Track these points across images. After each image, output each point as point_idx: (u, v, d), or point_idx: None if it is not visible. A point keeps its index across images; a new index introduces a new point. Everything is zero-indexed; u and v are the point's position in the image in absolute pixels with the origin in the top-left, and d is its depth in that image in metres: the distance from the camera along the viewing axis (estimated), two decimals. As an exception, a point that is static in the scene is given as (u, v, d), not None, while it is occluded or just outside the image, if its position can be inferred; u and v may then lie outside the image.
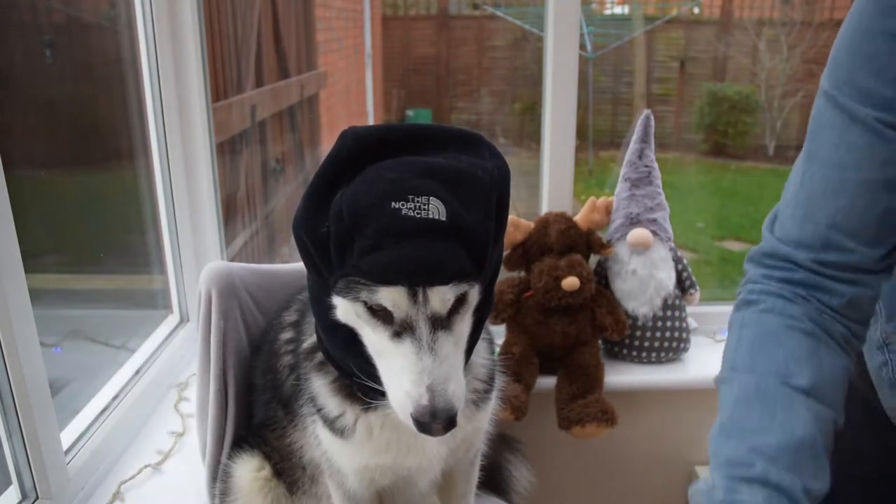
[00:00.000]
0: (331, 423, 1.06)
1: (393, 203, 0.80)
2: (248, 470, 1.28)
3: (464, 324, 0.91)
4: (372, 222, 0.81)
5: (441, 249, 0.82)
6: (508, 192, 0.92)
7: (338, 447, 1.08)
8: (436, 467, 1.13)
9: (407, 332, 0.85)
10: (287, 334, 1.21)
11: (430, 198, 0.81)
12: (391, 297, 0.84)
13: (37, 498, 1.24)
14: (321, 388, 1.06)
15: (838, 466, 1.02)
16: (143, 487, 1.42)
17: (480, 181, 0.86)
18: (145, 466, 1.46)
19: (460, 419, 0.92)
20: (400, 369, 0.86)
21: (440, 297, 0.84)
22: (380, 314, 0.86)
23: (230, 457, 1.32)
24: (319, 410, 1.07)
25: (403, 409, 0.86)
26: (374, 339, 0.88)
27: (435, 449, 1.07)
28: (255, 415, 1.35)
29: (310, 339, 1.10)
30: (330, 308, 0.91)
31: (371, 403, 0.98)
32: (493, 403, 1.19)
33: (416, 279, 0.83)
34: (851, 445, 1.02)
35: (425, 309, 0.85)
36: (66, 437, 1.38)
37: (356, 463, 1.09)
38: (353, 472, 1.11)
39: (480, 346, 1.10)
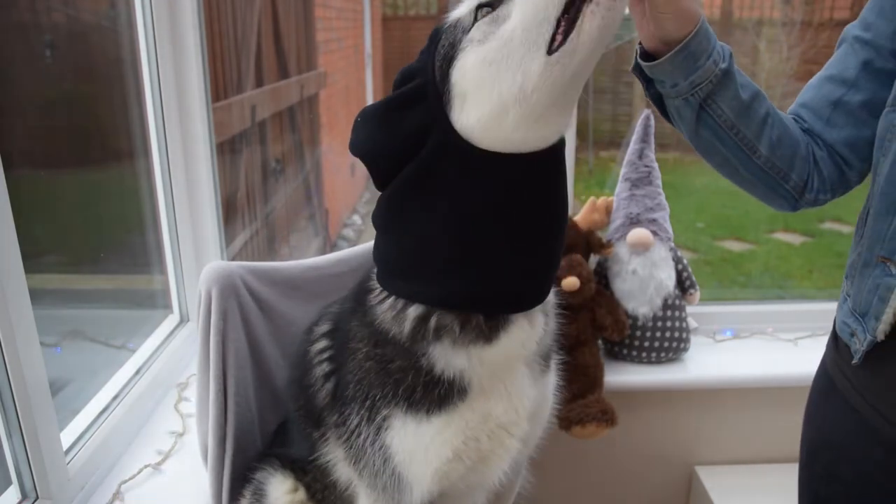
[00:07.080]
0: (447, 392, 1.00)
1: None
2: (283, 492, 1.25)
3: None
4: None
5: None
6: None
7: (431, 434, 1.01)
8: (522, 425, 1.07)
9: None
10: (321, 343, 1.17)
11: None
12: None
13: (37, 498, 1.24)
14: (445, 352, 0.99)
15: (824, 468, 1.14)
16: (143, 487, 1.42)
17: None
18: (145, 466, 1.46)
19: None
20: None
21: None
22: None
23: (257, 471, 1.29)
24: (432, 390, 0.99)
25: None
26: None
27: (524, 391, 1.07)
28: (296, 449, 1.28)
29: (409, 323, 0.99)
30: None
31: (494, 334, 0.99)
32: (554, 374, 1.22)
33: None
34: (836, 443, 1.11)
35: None
36: (66, 437, 1.38)
37: (449, 446, 1.02)
38: (432, 473, 1.03)
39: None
